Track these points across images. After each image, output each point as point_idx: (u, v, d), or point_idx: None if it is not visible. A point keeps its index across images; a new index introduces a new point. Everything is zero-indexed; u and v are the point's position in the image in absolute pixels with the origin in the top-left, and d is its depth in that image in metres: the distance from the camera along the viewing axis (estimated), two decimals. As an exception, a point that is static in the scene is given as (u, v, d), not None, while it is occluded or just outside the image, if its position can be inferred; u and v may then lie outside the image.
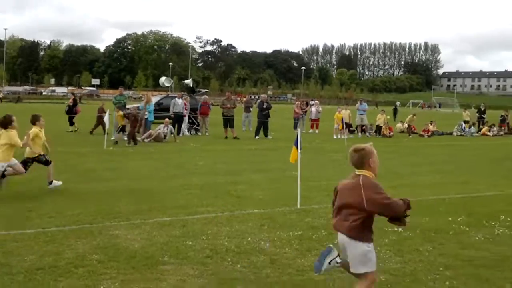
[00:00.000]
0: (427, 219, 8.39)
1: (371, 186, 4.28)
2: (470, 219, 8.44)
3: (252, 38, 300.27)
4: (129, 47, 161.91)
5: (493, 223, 8.18)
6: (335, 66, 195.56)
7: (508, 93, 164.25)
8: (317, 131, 28.54)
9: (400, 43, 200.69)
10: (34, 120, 10.26)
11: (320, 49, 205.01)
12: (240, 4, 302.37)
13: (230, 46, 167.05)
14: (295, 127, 26.77)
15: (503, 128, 32.27)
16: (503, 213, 8.88)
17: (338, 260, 4.50)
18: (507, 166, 15.84)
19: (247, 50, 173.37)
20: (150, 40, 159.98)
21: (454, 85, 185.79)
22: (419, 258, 6.39)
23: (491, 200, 10.21)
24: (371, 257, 4.34)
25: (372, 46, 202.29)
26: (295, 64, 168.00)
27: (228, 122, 22.83)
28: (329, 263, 4.49)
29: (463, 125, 31.31)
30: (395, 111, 48.18)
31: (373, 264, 4.36)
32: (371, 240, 4.37)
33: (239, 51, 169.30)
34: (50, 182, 10.11)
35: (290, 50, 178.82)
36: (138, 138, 19.62)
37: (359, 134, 27.61)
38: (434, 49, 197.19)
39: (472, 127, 31.67)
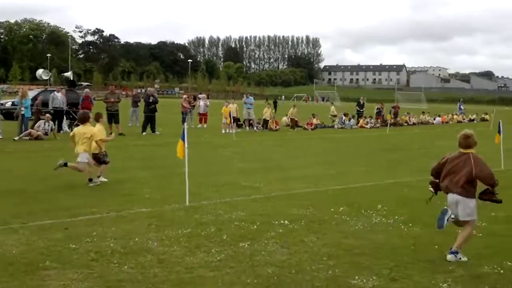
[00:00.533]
0: (311, 210, 8.75)
1: (480, 160, 6.56)
2: (351, 209, 8.93)
3: (136, 29, 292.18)
4: (1, 36, 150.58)
5: (371, 212, 8.72)
6: (222, 59, 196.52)
7: (383, 86, 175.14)
8: (205, 126, 28.57)
9: (283, 36, 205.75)
10: (98, 118, 11.44)
11: (207, 41, 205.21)
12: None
13: (112, 37, 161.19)
14: (183, 121, 26.60)
15: (379, 120, 34.39)
16: (380, 202, 9.49)
17: (452, 216, 6.42)
18: (384, 157, 16.95)
19: (131, 41, 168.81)
20: (24, 29, 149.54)
21: (335, 79, 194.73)
22: (304, 249, 6.65)
23: (369, 190, 10.87)
24: (475, 209, 6.42)
25: (257, 39, 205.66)
26: (182, 57, 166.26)
27: (113, 117, 22.08)
28: (447, 220, 6.40)
29: (343, 117, 32.94)
30: (275, 104, 49.61)
31: (476, 214, 6.46)
32: (475, 197, 6.41)
33: (122, 42, 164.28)
34: (90, 180, 10.65)
35: (176, 42, 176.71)
36: (15, 138, 18.42)
37: (247, 128, 28.05)
38: (315, 43, 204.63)
39: (352, 119, 33.40)
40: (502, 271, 5.90)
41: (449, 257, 6.29)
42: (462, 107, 46.49)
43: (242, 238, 7.02)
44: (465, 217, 6.37)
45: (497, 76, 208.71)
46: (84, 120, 10.86)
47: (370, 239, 7.16)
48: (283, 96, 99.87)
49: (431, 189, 7.07)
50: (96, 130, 10.83)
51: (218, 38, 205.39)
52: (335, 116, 33.63)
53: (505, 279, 5.65)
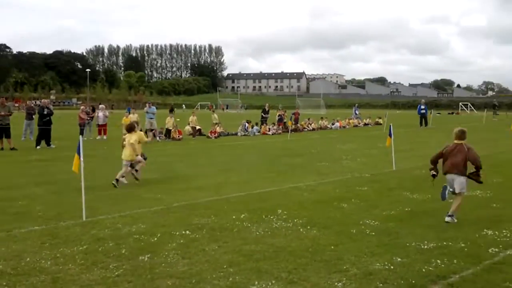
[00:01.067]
0: (213, 219, 8.77)
1: (471, 148, 8.81)
2: (252, 215, 9.05)
3: (29, 38, 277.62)
4: None
5: (272, 217, 8.89)
6: (122, 68, 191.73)
7: (285, 93, 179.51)
8: (105, 137, 27.71)
9: (186, 45, 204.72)
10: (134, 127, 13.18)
11: (106, 50, 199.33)
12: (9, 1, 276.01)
13: (3, 47, 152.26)
14: (81, 134, 25.62)
15: (280, 126, 35.17)
16: (280, 207, 9.72)
17: (451, 189, 8.64)
18: (284, 162, 17.33)
19: (24, 51, 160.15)
20: None
21: (238, 87, 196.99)
22: (205, 258, 6.64)
23: (270, 196, 11.08)
24: (466, 184, 8.72)
25: (159, 47, 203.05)
26: (80, 66, 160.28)
27: (3, 131, 20.81)
28: (447, 193, 8.62)
29: (246, 125, 33.32)
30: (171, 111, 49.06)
31: (466, 188, 8.83)
32: (466, 175, 8.68)
33: (14, 52, 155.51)
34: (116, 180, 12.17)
35: (73, 51, 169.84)
36: None
37: (149, 138, 27.50)
38: (218, 51, 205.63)
39: (256, 126, 33.87)
40: (392, 267, 6.23)
41: (447, 219, 8.55)
42: (357, 111, 48.62)
43: (141, 251, 6.89)
44: (459, 190, 8.68)
45: (390, 82, 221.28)
46: (130, 129, 13.01)
47: (270, 243, 7.29)
48: (183, 106, 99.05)
49: (433, 172, 9.25)
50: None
51: (118, 47, 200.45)
52: (216, 124, 32.63)
53: (395, 275, 5.98)
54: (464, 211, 9.36)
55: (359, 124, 43.76)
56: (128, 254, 6.79)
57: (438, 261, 6.42)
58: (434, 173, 9.22)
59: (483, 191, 11.30)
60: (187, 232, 7.91)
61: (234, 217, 8.92)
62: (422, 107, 39.46)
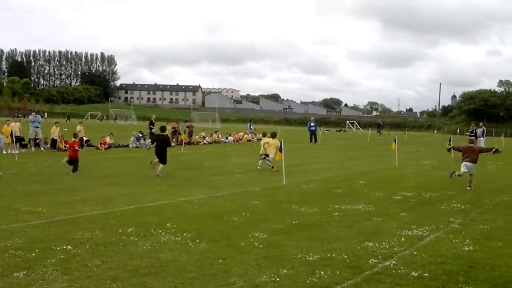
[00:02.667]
0: (97, 233, 8.40)
1: (478, 147, 16.78)
2: (140, 229, 8.79)
3: None
4: None
5: (160, 231, 8.69)
6: (6, 74, 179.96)
7: (180, 106, 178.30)
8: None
9: (76, 52, 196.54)
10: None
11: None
12: None
13: None
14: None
15: (174, 139, 34.77)
16: (170, 220, 9.55)
17: (459, 173, 15.22)
18: (176, 175, 17.10)
19: None
20: None
21: (132, 97, 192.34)
22: (87, 274, 6.33)
23: (160, 209, 10.85)
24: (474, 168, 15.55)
25: (47, 53, 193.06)
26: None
27: None
28: (453, 175, 15.25)
29: (139, 136, 32.57)
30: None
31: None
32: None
33: None
34: None
35: None
36: None
37: (33, 148, 26.01)
38: (110, 60, 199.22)
39: (148, 139, 33.17)
40: (278, 279, 6.31)
41: (468, 188, 15.04)
42: (252, 126, 49.46)
43: (17, 268, 6.43)
44: (472, 172, 15.29)
45: (283, 99, 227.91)
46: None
47: (157, 258, 7.11)
48: (68, 116, 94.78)
49: (449, 147, 17.42)
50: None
51: (2, 51, 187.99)
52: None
53: (281, 287, 6.05)
54: (347, 223, 9.77)
55: (252, 138, 44.45)
56: (2, 270, 6.29)
57: (322, 273, 6.61)
58: (450, 147, 17.51)
59: (365, 205, 11.89)
60: (69, 247, 7.50)
61: (120, 231, 8.61)
62: (312, 124, 40.89)
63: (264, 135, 21.34)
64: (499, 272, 6.83)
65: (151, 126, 35.83)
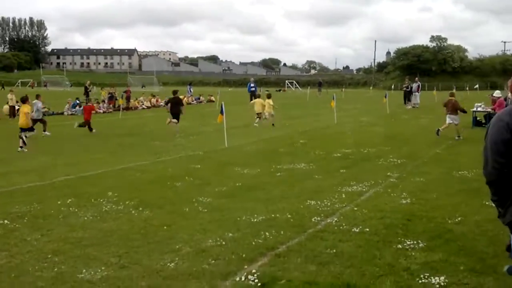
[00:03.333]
0: (36, 206, 8.13)
1: (457, 101, 17.58)
2: (80, 200, 8.57)
3: None
4: None
5: (102, 201, 8.51)
6: None
7: (115, 70, 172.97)
8: None
9: (3, 18, 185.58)
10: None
11: None
12: None
13: None
14: None
15: (111, 105, 33.92)
16: (111, 189, 9.35)
17: (442, 128, 17.55)
18: (115, 142, 16.75)
19: None
20: None
21: (64, 63, 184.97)
22: (27, 249, 6.13)
23: (100, 178, 10.61)
24: (459, 119, 17.49)
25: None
26: None
27: None
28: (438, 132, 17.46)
29: (76, 102, 31.54)
30: None
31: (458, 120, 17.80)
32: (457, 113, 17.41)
33: None
34: None
35: None
36: None
37: None
38: (40, 25, 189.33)
39: (80, 107, 32.21)
40: (224, 243, 6.33)
41: (457, 138, 16.55)
42: (191, 89, 48.97)
43: (-50, 248, 6.13)
44: (457, 122, 16.86)
45: (222, 60, 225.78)
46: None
47: (99, 228, 6.97)
48: (2, 84, 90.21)
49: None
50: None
51: None
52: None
53: (226, 250, 6.08)
54: (290, 183, 9.91)
55: (193, 101, 43.99)
56: None
57: (267, 233, 6.68)
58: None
59: (306, 164, 12.08)
60: (6, 221, 7.23)
61: (59, 202, 8.36)
62: (252, 85, 40.83)
63: (258, 96, 25.33)
64: (435, 223, 7.14)
65: (88, 91, 34.93)
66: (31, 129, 15.83)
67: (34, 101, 18.54)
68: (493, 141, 3.65)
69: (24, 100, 16.34)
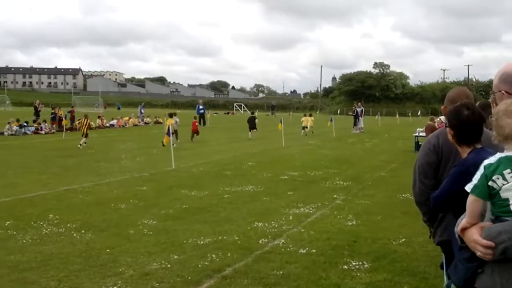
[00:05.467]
0: (-30, 229, 7.72)
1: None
2: (19, 222, 8.23)
3: None
4: None
5: (42, 223, 8.19)
6: None
7: (60, 90, 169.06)
8: None
9: None
10: None
11: None
12: None
13: None
14: None
15: (54, 125, 33.00)
16: (52, 211, 9.04)
17: None
18: (58, 163, 16.24)
19: None
20: None
21: (5, 82, 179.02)
22: (-41, 274, 5.79)
23: (41, 200, 10.22)
24: None
25: None
26: None
27: None
28: None
29: (24, 125, 30.51)
30: None
31: None
32: None
33: None
34: None
35: None
36: None
37: None
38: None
39: (31, 127, 31.23)
40: (169, 265, 6.20)
41: None
42: (142, 110, 48.51)
43: None
44: None
45: (170, 82, 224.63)
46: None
47: (38, 251, 6.69)
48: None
49: None
50: None
51: None
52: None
53: (171, 273, 5.96)
54: (237, 205, 9.88)
55: (139, 123, 43.43)
56: None
57: (214, 256, 6.60)
58: None
59: (254, 186, 12.08)
60: None
61: (-4, 225, 7.99)
62: (201, 107, 40.83)
63: (305, 115, 34.71)
64: (380, 244, 7.26)
65: (38, 111, 34.39)
66: None
67: None
68: (420, 163, 3.75)
69: None
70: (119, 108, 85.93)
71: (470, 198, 2.36)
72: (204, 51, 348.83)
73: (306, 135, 31.40)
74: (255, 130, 28.84)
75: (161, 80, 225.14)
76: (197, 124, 27.53)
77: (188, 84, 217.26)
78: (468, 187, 2.35)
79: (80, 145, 20.98)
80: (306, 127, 32.72)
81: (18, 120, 30.94)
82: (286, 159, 18.34)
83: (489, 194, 2.31)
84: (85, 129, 21.63)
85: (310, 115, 34.31)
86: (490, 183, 2.29)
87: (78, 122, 22.55)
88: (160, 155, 18.41)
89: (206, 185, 12.13)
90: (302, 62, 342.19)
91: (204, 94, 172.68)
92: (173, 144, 17.17)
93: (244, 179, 13.24)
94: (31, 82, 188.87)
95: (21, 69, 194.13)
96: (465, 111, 3.05)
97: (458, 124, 3.09)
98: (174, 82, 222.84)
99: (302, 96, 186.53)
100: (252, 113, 32.37)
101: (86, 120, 22.23)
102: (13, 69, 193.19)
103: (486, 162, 2.33)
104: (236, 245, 7.17)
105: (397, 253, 6.84)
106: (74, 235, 7.56)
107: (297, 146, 23.50)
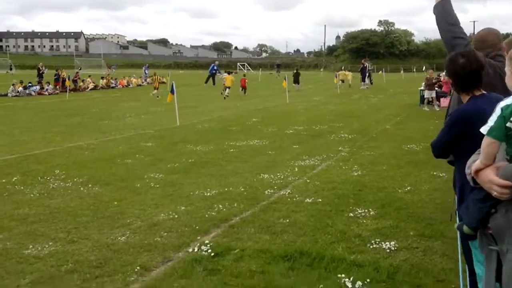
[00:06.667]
0: (-22, 185, 7.78)
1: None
2: (26, 178, 8.28)
3: None
4: None
5: (49, 178, 8.24)
6: None
7: (62, 53, 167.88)
8: None
9: None
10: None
11: None
12: None
13: None
14: None
15: (58, 86, 32.90)
16: (59, 167, 9.07)
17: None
18: (62, 122, 16.23)
19: None
20: None
21: (7, 46, 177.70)
22: (-31, 227, 5.86)
23: (47, 157, 10.24)
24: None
25: None
26: None
27: None
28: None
29: (29, 85, 30.45)
30: None
31: None
32: None
33: None
34: None
35: None
36: None
37: None
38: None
39: (35, 86, 31.18)
40: (176, 216, 6.24)
41: None
42: (146, 71, 48.30)
43: None
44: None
45: (172, 44, 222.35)
46: None
47: (46, 205, 6.74)
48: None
49: None
50: None
51: None
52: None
53: (179, 223, 5.99)
54: (243, 159, 9.89)
55: (142, 83, 43.22)
56: None
57: (220, 206, 6.63)
58: None
59: (259, 140, 12.07)
60: None
61: (4, 180, 8.04)
62: (215, 68, 41.54)
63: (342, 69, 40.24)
64: (385, 193, 7.27)
65: (41, 73, 34.35)
66: None
67: None
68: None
69: None
70: (115, 69, 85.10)
71: (486, 140, 2.30)
72: (206, 12, 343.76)
73: (348, 87, 35.16)
74: (298, 84, 33.47)
75: (163, 42, 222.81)
76: (246, 81, 30.66)
77: (190, 46, 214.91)
78: (484, 130, 2.30)
79: (153, 94, 26.63)
80: (343, 81, 35.85)
81: (22, 82, 30.86)
82: (291, 114, 18.28)
83: (506, 135, 2.26)
84: (157, 83, 27.84)
85: (349, 70, 39.39)
86: (508, 124, 2.23)
87: (150, 78, 29.56)
88: (165, 113, 18.37)
89: (211, 140, 12.12)
90: (305, 22, 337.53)
91: (207, 55, 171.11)
92: (227, 96, 25.78)
93: (249, 134, 13.23)
94: (33, 46, 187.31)
95: (22, 34, 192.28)
96: (460, 60, 3.08)
97: (454, 73, 3.13)
98: (176, 44, 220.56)
99: (305, 55, 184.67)
100: (296, 69, 37.47)
101: (156, 76, 28.83)
102: (14, 33, 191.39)
103: (502, 103, 2.27)
104: (242, 196, 7.20)
105: (403, 200, 6.85)
106: (81, 189, 7.61)
107: (302, 103, 23.38)
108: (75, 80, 34.83)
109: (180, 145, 11.61)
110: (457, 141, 3.08)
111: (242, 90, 29.49)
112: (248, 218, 6.18)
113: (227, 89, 27.18)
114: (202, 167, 9.22)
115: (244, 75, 34.02)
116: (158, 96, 25.90)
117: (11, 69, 79.62)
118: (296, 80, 34.38)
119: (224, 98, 26.03)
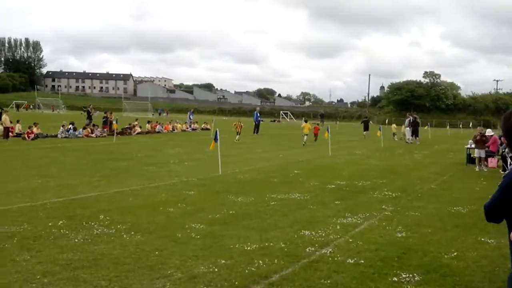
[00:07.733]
0: (26, 227, 8.00)
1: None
2: (71, 222, 8.45)
3: None
4: None
5: (93, 224, 8.39)
6: None
7: (110, 95, 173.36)
8: None
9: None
10: None
11: None
12: None
13: None
14: None
15: (105, 129, 33.84)
16: (103, 212, 9.23)
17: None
18: (108, 166, 16.62)
19: None
20: None
21: (59, 86, 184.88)
22: (15, 269, 6.00)
23: (92, 201, 10.46)
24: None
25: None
26: None
27: None
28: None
29: (71, 127, 31.41)
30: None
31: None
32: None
33: None
34: None
35: None
36: None
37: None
38: (35, 47, 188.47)
39: (81, 129, 32.10)
40: (216, 269, 6.23)
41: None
42: (191, 116, 49.32)
43: None
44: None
45: (217, 89, 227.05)
46: None
47: (90, 251, 6.84)
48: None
49: None
50: None
51: None
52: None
53: (219, 277, 5.98)
54: (284, 212, 9.83)
55: (187, 129, 44.04)
56: None
57: (260, 262, 6.58)
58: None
59: (301, 194, 12.01)
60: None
61: (50, 224, 8.24)
62: (258, 114, 40.93)
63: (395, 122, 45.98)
64: (431, 257, 7.07)
65: (90, 115, 35.45)
66: None
67: None
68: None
69: None
70: (160, 114, 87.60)
71: None
72: (250, 58, 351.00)
73: (398, 139, 37.40)
74: (367, 131, 37.98)
75: (208, 87, 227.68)
76: (319, 128, 34.01)
77: (235, 91, 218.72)
78: None
79: (236, 140, 29.74)
80: (395, 134, 39.24)
81: (72, 123, 31.89)
82: (333, 167, 18.18)
83: None
84: (239, 129, 31.05)
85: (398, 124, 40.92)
86: None
87: (234, 124, 31.56)
88: (207, 161, 18.59)
89: (253, 192, 12.15)
90: (348, 71, 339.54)
91: (251, 101, 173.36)
92: (305, 143, 29.16)
93: (290, 186, 13.19)
94: (83, 87, 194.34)
95: (74, 74, 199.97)
96: None
97: (507, 131, 2.99)
98: (221, 89, 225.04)
99: (349, 105, 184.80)
100: (365, 117, 42.54)
101: (240, 123, 31.64)
102: (67, 73, 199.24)
103: None
104: (283, 252, 7.13)
105: (449, 267, 6.64)
106: (124, 236, 7.71)
107: (344, 156, 23.25)
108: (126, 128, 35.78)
109: (222, 195, 11.68)
110: (510, 205, 2.95)
111: (315, 138, 32.36)
112: (288, 276, 6.10)
113: (305, 136, 30.11)
114: (243, 219, 9.22)
115: (318, 124, 39.20)
116: (238, 139, 29.93)
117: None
118: (366, 127, 38.13)
119: (303, 144, 29.18)
